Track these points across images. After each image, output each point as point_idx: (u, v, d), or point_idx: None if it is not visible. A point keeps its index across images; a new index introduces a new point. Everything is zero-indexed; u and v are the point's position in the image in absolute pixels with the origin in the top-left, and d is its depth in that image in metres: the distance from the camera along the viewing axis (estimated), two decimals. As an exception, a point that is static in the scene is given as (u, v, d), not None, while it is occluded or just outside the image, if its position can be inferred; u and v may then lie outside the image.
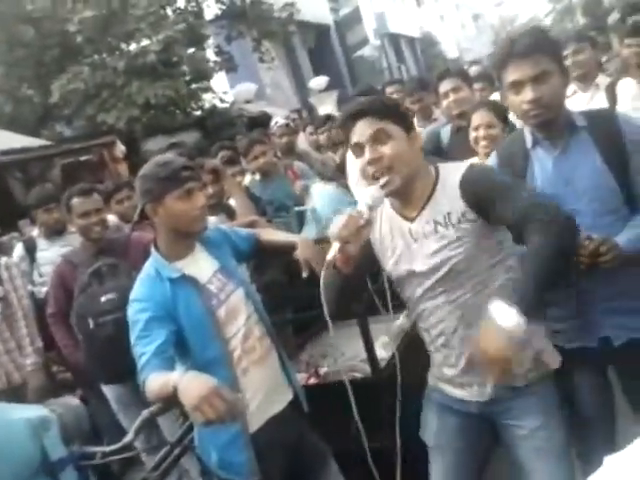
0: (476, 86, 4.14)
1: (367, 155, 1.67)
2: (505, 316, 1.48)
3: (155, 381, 1.64)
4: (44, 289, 3.59)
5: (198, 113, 11.77)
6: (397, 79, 10.09)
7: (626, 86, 3.65)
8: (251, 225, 2.73)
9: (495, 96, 4.48)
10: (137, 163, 6.90)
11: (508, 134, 2.48)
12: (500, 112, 2.77)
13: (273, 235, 2.35)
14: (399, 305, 3.00)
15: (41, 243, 3.87)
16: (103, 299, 2.85)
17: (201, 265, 2.01)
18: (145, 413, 1.66)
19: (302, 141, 5.76)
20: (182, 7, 12.29)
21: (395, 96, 4.65)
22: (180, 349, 1.89)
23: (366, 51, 25.21)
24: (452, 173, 1.73)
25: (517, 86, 1.80)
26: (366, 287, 2.12)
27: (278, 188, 4.00)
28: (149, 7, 10.36)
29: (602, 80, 3.82)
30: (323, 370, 2.71)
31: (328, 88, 16.27)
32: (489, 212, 1.64)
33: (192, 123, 11.26)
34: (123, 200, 4.02)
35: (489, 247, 1.70)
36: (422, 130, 3.69)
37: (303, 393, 2.16)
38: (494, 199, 1.62)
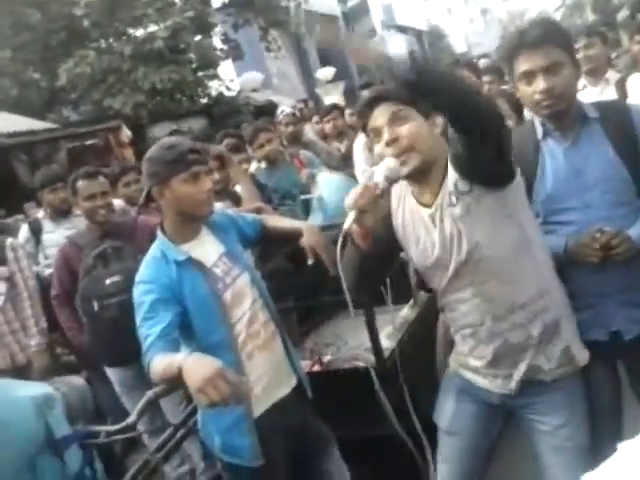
0: (485, 79, 4.12)
1: (385, 136, 1.65)
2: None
3: (160, 362, 1.65)
4: (49, 271, 3.59)
5: (204, 100, 11.77)
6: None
7: (636, 81, 3.63)
8: (257, 212, 2.72)
9: (503, 89, 4.48)
10: (143, 149, 6.90)
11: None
12: (515, 103, 2.75)
13: (279, 221, 2.35)
14: (404, 296, 3.03)
15: (47, 225, 3.87)
16: (108, 282, 2.85)
17: (207, 249, 2.01)
18: (149, 394, 1.66)
19: (309, 131, 5.75)
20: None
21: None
22: (185, 332, 1.89)
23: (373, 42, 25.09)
24: None
25: (528, 76, 1.78)
26: (388, 271, 2.05)
27: (284, 176, 3.99)
28: (157, -8, 10.34)
29: (612, 75, 3.80)
30: (327, 358, 2.71)
31: (335, 79, 16.22)
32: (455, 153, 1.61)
33: (198, 110, 11.27)
34: (130, 183, 4.02)
35: (505, 228, 1.65)
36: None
37: (307, 379, 2.16)
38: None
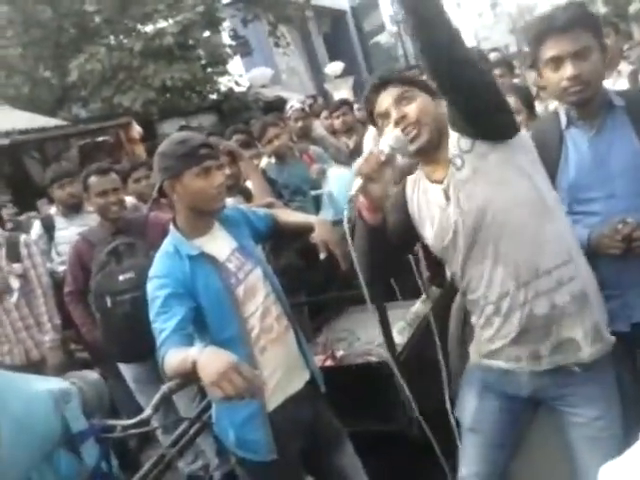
0: (496, 72, 4.09)
1: (393, 116, 1.64)
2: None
3: (174, 357, 1.65)
4: (62, 268, 3.62)
5: (214, 97, 11.78)
6: (414, 65, 10.02)
7: (650, 73, 3.60)
8: (268, 207, 2.72)
9: (515, 83, 4.45)
10: (153, 145, 6.92)
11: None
12: (526, 98, 2.72)
13: (290, 216, 2.35)
14: (416, 291, 3.03)
15: (59, 222, 3.88)
16: (121, 278, 2.86)
17: (220, 243, 2.01)
18: (164, 389, 1.67)
19: (318, 126, 5.74)
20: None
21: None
22: (199, 326, 1.90)
23: (382, 38, 25.04)
24: None
25: (556, 62, 1.75)
26: (401, 258, 2.06)
27: (294, 172, 3.99)
28: (167, -11, 10.36)
29: (624, 67, 3.77)
30: (339, 353, 2.72)
31: (344, 74, 16.19)
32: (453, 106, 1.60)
33: (208, 106, 11.29)
34: (140, 179, 4.04)
35: (516, 184, 1.60)
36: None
37: (320, 373, 2.17)
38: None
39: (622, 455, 0.80)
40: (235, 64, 13.37)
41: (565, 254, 1.63)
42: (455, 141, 1.63)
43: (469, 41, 34.60)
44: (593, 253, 1.77)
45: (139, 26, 10.89)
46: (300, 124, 4.92)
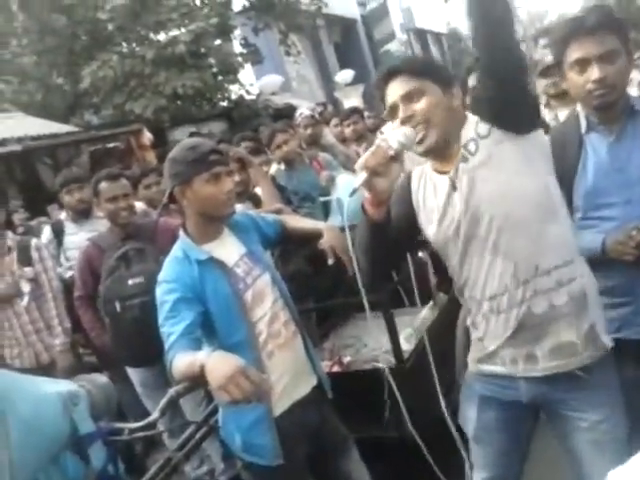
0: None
1: (401, 114, 1.60)
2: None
3: (182, 360, 1.66)
4: (70, 273, 3.65)
5: (224, 104, 11.84)
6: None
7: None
8: (277, 213, 2.74)
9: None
10: (164, 151, 6.97)
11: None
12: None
13: (299, 222, 2.36)
14: (424, 298, 3.03)
15: (69, 227, 3.91)
16: (130, 282, 2.88)
17: (228, 249, 2.03)
18: (171, 392, 1.68)
19: (327, 133, 5.76)
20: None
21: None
22: (207, 331, 1.91)
23: (393, 46, 25.05)
24: None
25: (582, 64, 1.74)
26: (402, 255, 2.03)
27: (303, 178, 4.01)
28: (181, -1, 10.45)
29: (635, 75, 3.76)
30: (347, 359, 2.73)
31: (354, 82, 16.23)
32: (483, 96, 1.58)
33: (218, 114, 11.34)
34: (151, 185, 4.07)
35: (527, 179, 1.58)
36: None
37: (327, 379, 2.17)
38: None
39: (630, 460, 0.80)
40: (246, 72, 13.44)
41: (566, 255, 1.61)
42: (473, 125, 1.61)
43: (479, 50, 34.67)
44: (607, 259, 1.76)
45: (152, 34, 10.98)
46: (309, 131, 4.94)
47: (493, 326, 1.68)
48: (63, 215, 4.23)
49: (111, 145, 8.04)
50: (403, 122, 1.60)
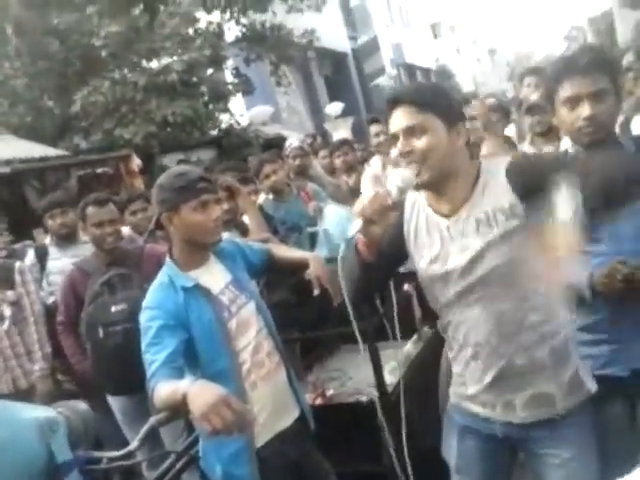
0: (492, 117, 4.18)
1: (399, 146, 1.58)
2: (565, 206, 1.41)
3: (164, 388, 1.65)
4: (51, 298, 3.61)
5: (214, 132, 11.91)
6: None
7: (640, 123, 3.68)
8: (264, 242, 2.75)
9: (510, 128, 4.54)
10: (152, 178, 6.98)
11: None
12: (509, 143, 2.79)
13: (286, 251, 2.37)
14: (408, 331, 3.03)
15: (52, 251, 3.87)
16: (114, 309, 2.86)
17: (215, 276, 2.03)
18: (152, 420, 1.66)
19: (316, 165, 5.81)
20: (204, 27, 12.53)
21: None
22: (190, 359, 1.90)
23: (382, 80, 25.47)
24: (497, 167, 1.62)
25: (573, 102, 1.78)
26: (387, 281, 2.03)
27: (291, 208, 4.02)
28: (175, 28, 10.54)
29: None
30: (330, 392, 2.71)
31: (343, 115, 16.43)
32: (534, 191, 1.51)
33: (208, 142, 11.39)
34: (137, 212, 4.05)
35: (526, 247, 1.57)
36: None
37: (310, 411, 2.16)
38: (543, 174, 1.50)
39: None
40: (236, 101, 13.57)
41: (552, 309, 1.62)
42: (508, 201, 1.57)
43: (468, 86, 35.34)
44: (593, 294, 1.77)
45: (144, 62, 11.07)
46: (298, 162, 4.97)
47: (472, 371, 1.70)
48: (48, 239, 4.20)
49: (100, 170, 8.03)
50: (401, 156, 1.59)
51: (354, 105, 20.85)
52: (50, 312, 3.45)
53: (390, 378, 2.66)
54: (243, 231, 3.26)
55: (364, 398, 2.56)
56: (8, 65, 10.87)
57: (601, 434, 1.73)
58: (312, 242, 3.87)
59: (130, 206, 4.09)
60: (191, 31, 11.85)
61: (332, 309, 2.11)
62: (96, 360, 2.93)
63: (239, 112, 13.16)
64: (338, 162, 5.13)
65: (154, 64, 10.98)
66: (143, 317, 1.89)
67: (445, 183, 1.61)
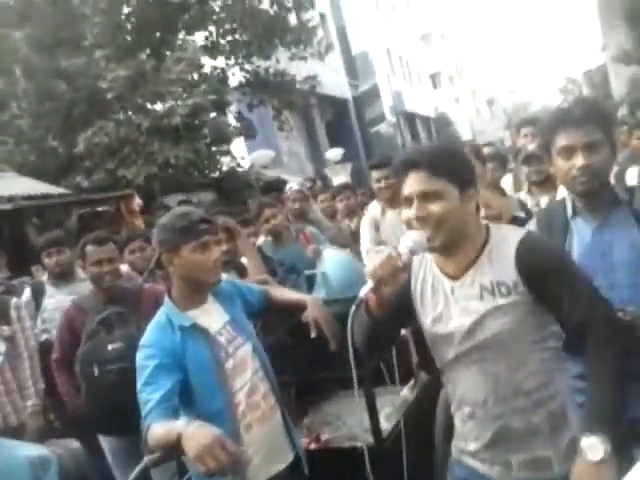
0: (488, 166, 4.25)
1: (414, 211, 1.60)
2: (594, 451, 1.45)
3: (159, 428, 1.64)
4: (45, 336, 3.60)
5: (215, 175, 12.04)
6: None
7: (634, 174, 3.75)
8: (262, 284, 2.76)
9: (507, 178, 4.61)
10: (152, 218, 7.04)
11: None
12: (501, 193, 2.83)
13: (284, 293, 2.39)
14: (405, 376, 3.01)
15: (48, 289, 3.88)
16: (110, 347, 2.85)
17: (212, 316, 2.04)
18: (145, 460, 1.64)
19: (316, 209, 5.87)
20: (208, 72, 12.82)
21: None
22: (185, 399, 1.89)
23: (382, 127, 25.93)
24: (507, 238, 1.64)
25: (568, 152, 1.84)
26: (398, 334, 2.03)
27: (290, 251, 4.05)
28: (181, 73, 10.78)
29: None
30: (325, 436, 2.68)
31: (343, 160, 16.65)
32: (543, 294, 1.58)
33: (209, 183, 11.51)
34: (135, 251, 4.08)
35: (533, 324, 1.62)
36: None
37: (305, 455, 2.13)
38: (553, 284, 1.56)
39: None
40: (238, 144, 13.77)
41: (546, 376, 1.64)
42: (513, 277, 1.59)
43: (466, 134, 35.87)
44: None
45: (149, 104, 11.27)
46: (298, 205, 5.03)
47: (470, 429, 1.71)
48: (45, 276, 4.21)
49: (101, 209, 8.10)
50: (416, 220, 1.61)
51: (354, 151, 21.15)
52: (43, 349, 3.43)
53: (386, 424, 2.64)
54: (241, 272, 3.28)
55: (359, 443, 2.53)
56: (15, 105, 11.07)
57: None
58: (310, 285, 3.89)
59: (129, 245, 4.12)
60: (196, 76, 12.12)
61: (328, 352, 2.11)
62: (90, 398, 2.90)
63: (240, 155, 13.34)
64: (340, 206, 5.18)
65: (158, 107, 11.18)
66: (139, 355, 1.89)
67: (455, 246, 1.64)
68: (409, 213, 1.62)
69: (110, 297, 3.13)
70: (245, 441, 1.91)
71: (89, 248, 3.21)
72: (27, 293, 3.94)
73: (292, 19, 14.36)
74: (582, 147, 1.81)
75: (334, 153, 17.20)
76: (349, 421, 2.83)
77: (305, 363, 3.07)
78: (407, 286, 1.75)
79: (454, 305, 1.66)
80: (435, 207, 1.58)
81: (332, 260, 3.78)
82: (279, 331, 3.11)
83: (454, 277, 1.67)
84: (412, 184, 1.60)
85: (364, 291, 1.57)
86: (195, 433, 1.49)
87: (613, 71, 21.83)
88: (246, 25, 13.14)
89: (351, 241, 4.37)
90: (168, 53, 11.78)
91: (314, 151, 19.97)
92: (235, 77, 13.96)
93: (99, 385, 2.83)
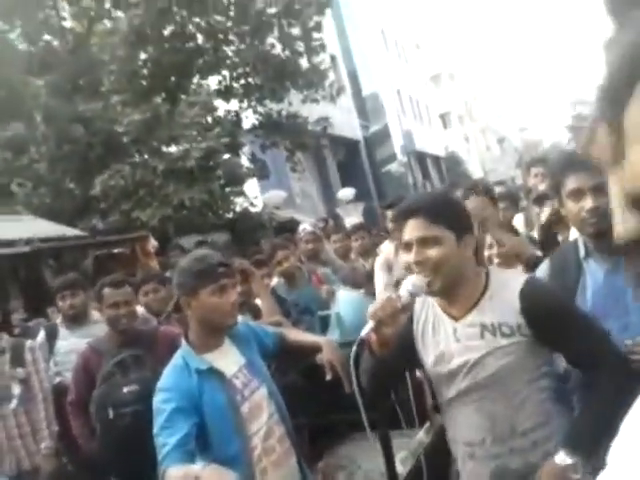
0: (500, 205, 4.27)
1: (413, 256, 1.67)
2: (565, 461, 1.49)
3: (175, 472, 1.64)
4: (58, 378, 3.62)
5: (229, 215, 12.15)
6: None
7: None
8: (276, 325, 2.78)
9: (519, 217, 4.62)
10: (166, 260, 7.09)
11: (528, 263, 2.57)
12: (514, 233, 2.85)
13: (299, 335, 2.40)
14: (420, 419, 2.98)
15: (62, 332, 3.91)
16: (125, 390, 2.86)
17: (229, 359, 2.05)
18: (161, 506, 1.64)
19: (328, 249, 5.89)
20: (222, 115, 13.07)
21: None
22: (201, 443, 1.89)
23: (393, 166, 26.14)
24: (508, 281, 1.72)
25: (577, 194, 1.87)
26: (402, 378, 2.10)
27: (303, 292, 4.07)
28: (195, 116, 11.00)
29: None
30: (339, 480, 2.64)
31: (355, 200, 16.75)
32: (548, 338, 1.64)
33: (223, 224, 11.60)
34: (149, 292, 4.11)
35: (531, 363, 1.67)
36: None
37: (319, 500, 2.11)
38: (559, 329, 1.62)
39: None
40: (251, 185, 13.92)
41: (543, 416, 1.67)
42: (515, 317, 1.65)
43: (477, 173, 35.98)
44: None
45: (164, 147, 11.48)
46: (311, 246, 5.06)
47: (471, 470, 1.75)
48: (59, 319, 4.25)
49: (116, 250, 8.18)
50: (415, 264, 1.68)
51: (365, 190, 21.29)
52: (57, 392, 3.45)
53: (401, 468, 2.60)
54: (255, 314, 3.30)
55: (375, 488, 2.50)
56: (34, 149, 11.33)
57: None
58: (324, 326, 3.89)
59: (143, 287, 4.16)
60: (210, 119, 12.36)
61: (343, 395, 2.11)
62: (104, 441, 2.90)
63: (253, 195, 13.47)
64: (355, 245, 5.22)
65: (173, 149, 11.37)
66: (157, 399, 1.91)
67: (454, 290, 1.71)
68: (409, 258, 1.69)
69: (126, 339, 3.15)
70: (261, 486, 1.90)
71: (106, 291, 3.25)
72: (41, 335, 3.98)
73: (304, 62, 14.67)
74: (591, 189, 1.84)
75: (346, 193, 17.33)
76: (364, 465, 2.79)
77: (319, 405, 3.06)
78: (409, 327, 1.81)
79: (456, 344, 1.71)
80: (433, 252, 1.64)
81: (345, 301, 3.80)
82: (293, 373, 3.11)
83: (456, 318, 1.73)
84: (411, 230, 1.68)
85: (365, 331, 1.64)
86: (212, 476, 1.49)
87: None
88: (259, 69, 13.43)
89: (366, 281, 4.39)
90: (183, 97, 12.05)
91: (326, 191, 20.13)
92: (248, 119, 14.21)
93: (114, 428, 2.83)
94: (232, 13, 13.19)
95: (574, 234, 2.13)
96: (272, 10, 13.36)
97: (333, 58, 21.74)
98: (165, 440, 1.77)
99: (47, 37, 13.01)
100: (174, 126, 10.96)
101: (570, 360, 1.69)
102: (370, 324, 1.62)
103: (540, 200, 3.83)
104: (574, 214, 1.91)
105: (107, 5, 13.01)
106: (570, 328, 1.62)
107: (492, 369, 1.65)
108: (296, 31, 13.99)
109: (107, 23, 13.09)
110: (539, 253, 3.11)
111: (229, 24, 13.33)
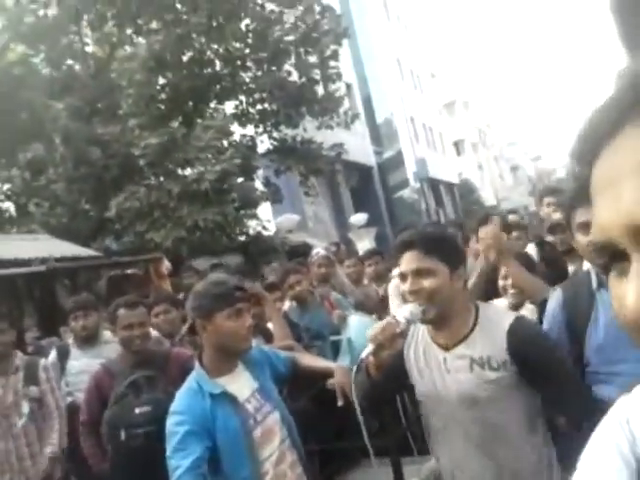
0: (513, 234, 4.28)
1: (408, 285, 1.75)
2: None
3: None
4: (69, 398, 3.63)
5: (242, 238, 12.22)
6: (436, 221, 10.43)
7: None
8: (288, 349, 2.79)
9: (531, 247, 4.62)
10: (179, 282, 7.12)
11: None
12: (529, 263, 2.86)
13: (311, 360, 2.41)
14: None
15: (73, 352, 3.93)
16: (137, 411, 2.86)
17: (242, 383, 2.06)
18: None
19: (341, 274, 5.91)
20: (237, 140, 13.22)
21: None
22: (213, 466, 1.90)
23: (406, 193, 26.21)
24: (497, 318, 1.78)
25: (586, 228, 1.89)
26: (395, 396, 2.18)
27: (315, 316, 4.08)
28: (210, 140, 11.14)
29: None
30: (349, 507, 2.63)
31: (367, 225, 16.80)
32: (530, 376, 1.69)
33: (236, 247, 11.65)
34: (160, 314, 4.13)
35: (517, 397, 1.71)
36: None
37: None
38: (540, 370, 1.67)
39: None
40: (264, 208, 14.01)
41: (546, 459, 1.71)
42: (502, 354, 1.70)
43: (490, 201, 35.92)
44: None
45: (179, 170, 11.62)
46: (323, 270, 5.08)
47: None
48: (71, 339, 4.28)
49: (130, 271, 8.24)
50: (410, 294, 1.76)
51: (378, 216, 21.35)
52: (68, 412, 3.46)
53: (412, 496, 2.58)
54: (267, 337, 3.31)
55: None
56: (52, 170, 11.52)
57: None
58: (335, 351, 3.89)
59: (154, 308, 4.18)
60: (225, 143, 12.50)
61: (354, 421, 2.10)
62: (116, 462, 2.90)
63: (266, 219, 13.54)
64: (369, 271, 5.23)
65: (188, 172, 11.50)
66: (170, 421, 1.92)
67: (446, 320, 1.77)
68: (404, 287, 1.77)
69: (138, 360, 3.16)
70: (272, 511, 1.89)
71: (121, 312, 3.27)
72: (53, 354, 4.01)
73: (320, 90, 14.85)
74: None
75: (358, 218, 17.38)
76: (375, 493, 2.77)
77: (330, 431, 3.05)
78: (400, 352, 1.88)
79: (446, 375, 1.77)
80: (427, 283, 1.72)
81: (357, 326, 3.80)
82: (304, 398, 3.11)
83: (445, 348, 1.79)
84: (407, 262, 1.76)
85: (364, 354, 1.71)
86: None
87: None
88: (275, 95, 13.59)
89: (379, 307, 4.39)
90: (199, 121, 12.22)
91: (339, 216, 20.20)
92: (263, 144, 14.36)
93: (125, 449, 2.83)
94: (250, 40, 13.42)
95: (587, 264, 2.13)
96: (290, 38, 13.57)
97: (348, 85, 21.99)
98: (178, 462, 1.78)
99: (69, 62, 13.31)
100: (189, 149, 11.09)
101: (546, 400, 1.72)
102: (370, 347, 1.69)
103: (553, 230, 3.83)
104: (584, 246, 1.94)
105: (129, 31, 13.31)
106: (551, 370, 1.68)
107: (479, 401, 1.70)
108: (313, 59, 14.18)
109: (128, 48, 13.37)
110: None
111: (247, 51, 13.55)
